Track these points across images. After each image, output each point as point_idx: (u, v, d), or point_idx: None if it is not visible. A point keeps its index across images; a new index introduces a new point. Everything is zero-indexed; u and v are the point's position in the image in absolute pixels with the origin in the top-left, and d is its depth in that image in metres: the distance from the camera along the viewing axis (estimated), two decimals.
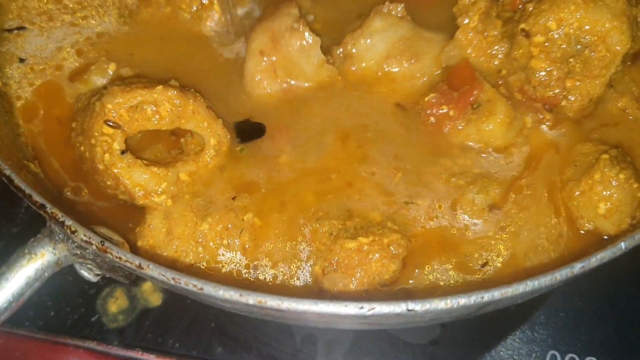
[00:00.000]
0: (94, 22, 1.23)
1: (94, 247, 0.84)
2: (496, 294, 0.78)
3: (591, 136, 1.12)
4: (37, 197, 0.87)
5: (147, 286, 1.37)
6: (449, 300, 0.78)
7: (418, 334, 1.29)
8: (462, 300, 0.78)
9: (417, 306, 0.78)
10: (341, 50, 1.16)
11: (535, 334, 1.31)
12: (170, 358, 1.32)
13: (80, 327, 1.34)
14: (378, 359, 1.29)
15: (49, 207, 0.86)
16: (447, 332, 1.30)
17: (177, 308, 1.35)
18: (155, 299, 1.36)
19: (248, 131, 1.11)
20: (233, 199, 1.05)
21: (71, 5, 1.23)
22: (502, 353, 1.29)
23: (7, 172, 0.89)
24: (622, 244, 0.82)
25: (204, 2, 1.21)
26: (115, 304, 1.36)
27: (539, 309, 1.33)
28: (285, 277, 1.01)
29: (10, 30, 1.21)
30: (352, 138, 1.13)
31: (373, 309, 0.78)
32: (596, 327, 1.31)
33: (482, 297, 0.78)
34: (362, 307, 0.78)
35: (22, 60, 1.18)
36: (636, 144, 1.12)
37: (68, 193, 1.07)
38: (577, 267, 0.80)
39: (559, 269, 0.80)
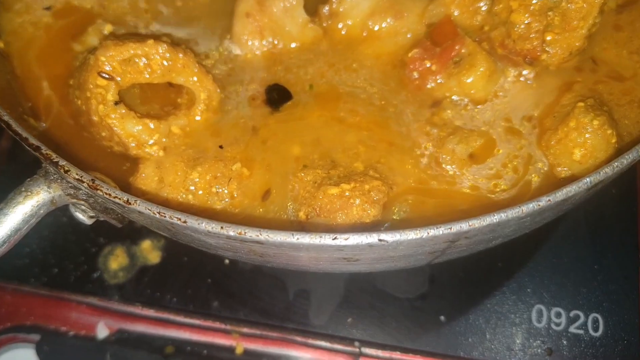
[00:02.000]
0: None
1: (85, 185, 0.89)
2: (464, 225, 0.82)
3: (572, 88, 1.15)
4: (33, 140, 0.92)
5: (146, 245, 1.43)
6: (418, 231, 0.82)
7: (406, 288, 1.33)
8: (431, 232, 0.82)
9: (388, 237, 0.82)
10: (327, 8, 1.20)
11: (522, 289, 1.34)
12: (168, 312, 1.37)
13: (83, 283, 1.40)
14: (368, 312, 1.33)
15: (44, 149, 0.91)
16: (436, 286, 1.34)
17: (174, 265, 1.41)
18: (153, 257, 1.42)
19: (277, 97, 1.15)
20: (220, 147, 1.09)
21: None
22: (488, 306, 1.33)
23: (6, 117, 0.94)
24: (587, 179, 0.85)
25: None
26: (116, 261, 1.41)
27: (526, 265, 1.36)
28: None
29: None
30: (338, 94, 1.16)
31: (347, 239, 0.82)
32: (582, 282, 1.33)
33: (450, 229, 0.82)
34: (335, 238, 0.82)
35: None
36: (616, 93, 1.14)
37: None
38: (544, 200, 0.83)
39: (527, 202, 0.84)
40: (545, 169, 1.08)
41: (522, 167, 1.09)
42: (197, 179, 1.07)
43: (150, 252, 1.42)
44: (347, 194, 1.02)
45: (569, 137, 1.04)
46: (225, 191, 1.08)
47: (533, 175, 1.09)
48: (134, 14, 1.24)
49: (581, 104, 1.05)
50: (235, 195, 1.08)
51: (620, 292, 1.32)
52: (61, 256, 1.41)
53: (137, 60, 1.06)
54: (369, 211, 1.02)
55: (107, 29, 1.22)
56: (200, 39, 1.23)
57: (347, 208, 1.01)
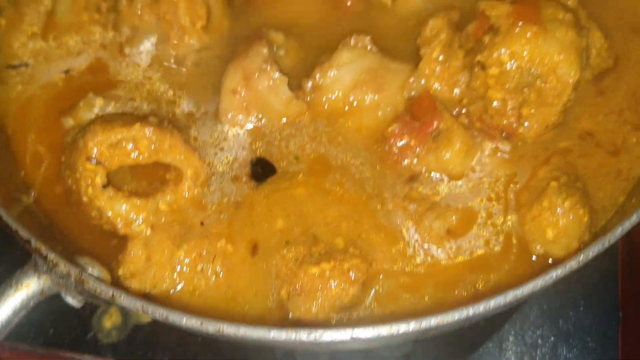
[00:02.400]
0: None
1: (72, 278, 0.93)
2: (433, 321, 0.85)
3: (549, 161, 1.18)
4: (23, 233, 0.96)
5: None
6: (391, 327, 0.85)
7: (392, 349, 1.36)
8: (402, 327, 0.85)
9: (362, 333, 0.85)
10: (310, 83, 1.23)
11: (504, 344, 1.37)
12: None
13: (78, 343, 1.44)
14: None
15: (33, 242, 0.95)
16: (420, 346, 1.37)
17: (166, 325, 1.44)
18: (146, 316, 1.45)
19: (261, 172, 1.19)
20: (202, 224, 1.13)
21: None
22: None
23: None
24: (554, 273, 0.88)
25: None
26: (110, 320, 1.45)
27: (509, 320, 1.40)
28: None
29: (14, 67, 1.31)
30: (322, 167, 1.20)
31: (320, 336, 0.86)
32: (563, 336, 1.37)
33: (420, 324, 0.85)
34: (310, 334, 0.86)
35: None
36: (591, 165, 1.17)
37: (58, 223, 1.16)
38: (510, 295, 0.86)
39: (491, 297, 0.87)
40: (521, 243, 1.12)
41: (499, 241, 1.12)
42: (183, 257, 1.11)
43: None
44: (327, 273, 1.06)
45: (542, 215, 1.07)
46: (210, 268, 1.11)
47: (511, 249, 1.12)
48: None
49: (554, 183, 1.08)
50: (220, 272, 1.11)
51: (599, 350, 1.35)
52: (56, 317, 1.45)
53: (124, 144, 1.10)
54: (348, 290, 1.05)
55: (98, 102, 1.25)
56: (186, 112, 1.26)
57: (326, 288, 1.05)
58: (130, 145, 1.10)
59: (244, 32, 1.33)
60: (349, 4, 1.34)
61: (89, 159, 1.09)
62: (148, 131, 1.11)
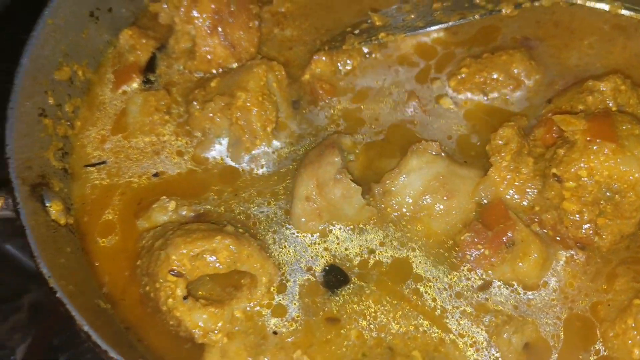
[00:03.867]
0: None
1: None
2: None
3: (625, 271, 1.17)
4: (112, 353, 0.97)
5: None
6: None
7: None
8: None
9: None
10: (379, 188, 1.25)
11: None
12: None
13: None
14: None
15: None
16: None
17: None
18: None
19: (334, 280, 1.20)
20: (274, 333, 1.13)
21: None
22: None
23: (86, 328, 1.00)
24: None
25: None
26: None
27: None
28: None
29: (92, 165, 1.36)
30: (391, 274, 1.21)
31: None
32: None
33: None
34: None
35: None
36: None
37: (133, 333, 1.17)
38: None
39: None
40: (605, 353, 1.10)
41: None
42: None
43: None
44: None
45: (627, 334, 1.06)
46: None
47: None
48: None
49: (637, 301, 1.07)
50: None
51: None
52: None
53: (205, 256, 1.12)
54: None
55: (171, 206, 1.28)
56: (258, 216, 1.28)
57: None
58: (211, 257, 1.12)
59: (310, 132, 1.37)
60: (410, 111, 1.37)
61: (171, 271, 1.10)
62: (229, 243, 1.13)
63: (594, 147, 1.10)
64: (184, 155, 1.36)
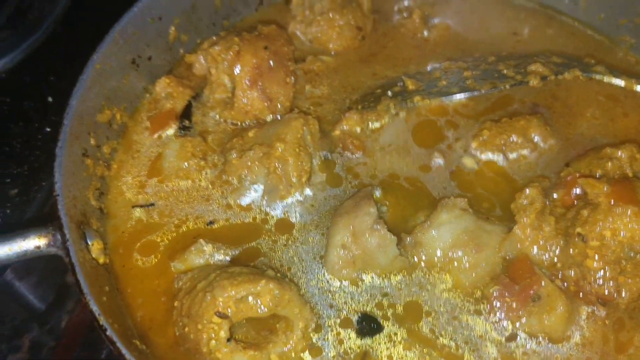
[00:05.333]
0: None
1: None
2: None
3: None
4: None
5: None
6: None
7: None
8: None
9: None
10: (411, 239, 1.31)
11: None
12: None
13: None
14: None
15: None
16: None
17: None
18: None
19: (367, 328, 1.24)
20: None
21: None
22: None
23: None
24: None
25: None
26: None
27: None
28: None
29: (141, 206, 1.39)
30: (422, 322, 1.25)
31: None
32: None
33: None
34: None
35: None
36: None
37: None
38: None
39: None
40: None
41: None
42: None
43: None
44: None
45: None
46: None
47: None
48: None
49: None
50: None
51: None
52: None
53: (250, 299, 1.15)
54: None
55: (208, 249, 1.31)
56: (294, 260, 1.33)
57: None
58: (256, 300, 1.15)
59: (341, 183, 1.43)
60: (435, 167, 1.46)
61: (217, 313, 1.13)
62: (273, 287, 1.16)
63: (617, 210, 1.19)
64: (221, 202, 1.40)
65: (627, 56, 1.64)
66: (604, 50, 1.65)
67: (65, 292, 1.68)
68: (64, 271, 1.62)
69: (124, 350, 1.04)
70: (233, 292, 1.14)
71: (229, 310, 1.14)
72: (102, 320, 1.07)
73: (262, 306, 1.17)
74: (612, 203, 1.20)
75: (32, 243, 1.18)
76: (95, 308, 1.08)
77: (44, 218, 1.33)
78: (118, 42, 1.46)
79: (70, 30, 1.85)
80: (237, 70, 1.48)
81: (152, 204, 1.38)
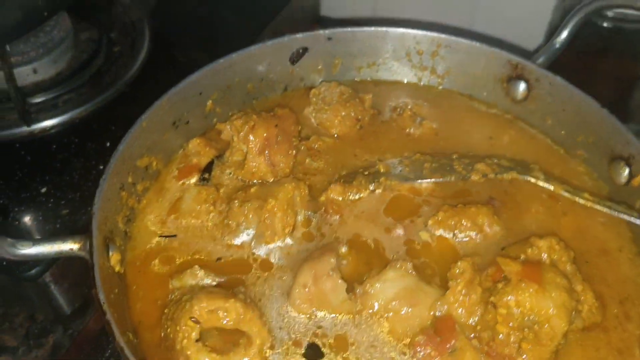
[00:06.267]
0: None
1: None
2: None
3: None
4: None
5: None
6: None
7: None
8: None
9: None
10: (360, 289, 1.61)
11: None
12: None
13: None
14: None
15: None
16: None
17: None
18: None
19: (312, 355, 1.52)
20: None
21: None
22: None
23: (122, 344, 1.35)
24: None
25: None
26: None
27: None
28: None
29: (163, 236, 1.76)
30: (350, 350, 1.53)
31: None
32: None
33: None
34: None
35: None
36: None
37: None
38: None
39: None
40: None
41: None
42: None
43: None
44: None
45: None
46: None
47: None
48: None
49: None
50: None
51: None
52: None
53: (219, 312, 1.48)
54: None
55: (201, 274, 1.65)
56: (265, 292, 1.64)
57: None
58: (224, 314, 1.48)
59: (317, 238, 1.76)
60: (395, 236, 1.76)
61: (191, 318, 1.46)
62: (239, 306, 1.49)
63: (522, 285, 1.46)
64: (221, 240, 1.76)
65: (578, 167, 1.94)
66: (558, 157, 1.96)
67: (90, 303, 2.05)
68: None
69: (116, 333, 1.37)
70: (206, 304, 1.47)
71: (202, 318, 1.47)
72: (105, 307, 1.42)
73: (228, 319, 1.49)
74: (520, 280, 1.47)
75: (68, 246, 1.56)
76: (102, 297, 1.43)
77: (81, 231, 1.71)
78: (164, 107, 1.88)
79: (134, 93, 2.33)
80: (251, 140, 1.87)
81: (175, 235, 1.75)
